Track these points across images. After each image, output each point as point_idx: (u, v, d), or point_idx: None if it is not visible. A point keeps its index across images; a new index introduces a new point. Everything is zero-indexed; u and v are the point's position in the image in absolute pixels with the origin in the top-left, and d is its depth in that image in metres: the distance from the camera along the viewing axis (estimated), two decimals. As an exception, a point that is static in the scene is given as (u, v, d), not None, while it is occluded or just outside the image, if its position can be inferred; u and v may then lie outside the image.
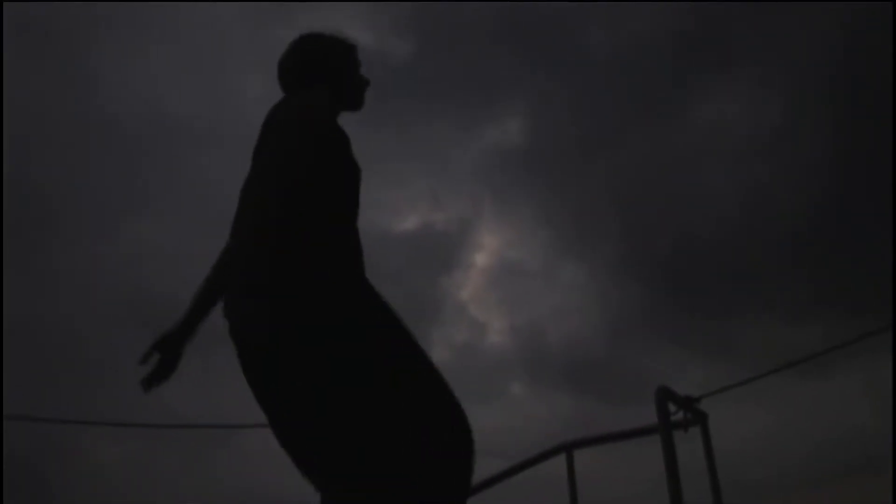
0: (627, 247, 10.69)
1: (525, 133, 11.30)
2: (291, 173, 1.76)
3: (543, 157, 11.06)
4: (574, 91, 10.80)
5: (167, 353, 2.03)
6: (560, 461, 4.03)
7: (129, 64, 10.91)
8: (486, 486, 4.04)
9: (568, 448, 4.02)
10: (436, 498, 1.65)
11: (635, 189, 10.46)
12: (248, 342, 1.77)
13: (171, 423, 5.65)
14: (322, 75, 2.08)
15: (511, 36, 10.77)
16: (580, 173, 11.02)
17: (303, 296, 1.70)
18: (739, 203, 9.63)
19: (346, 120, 2.16)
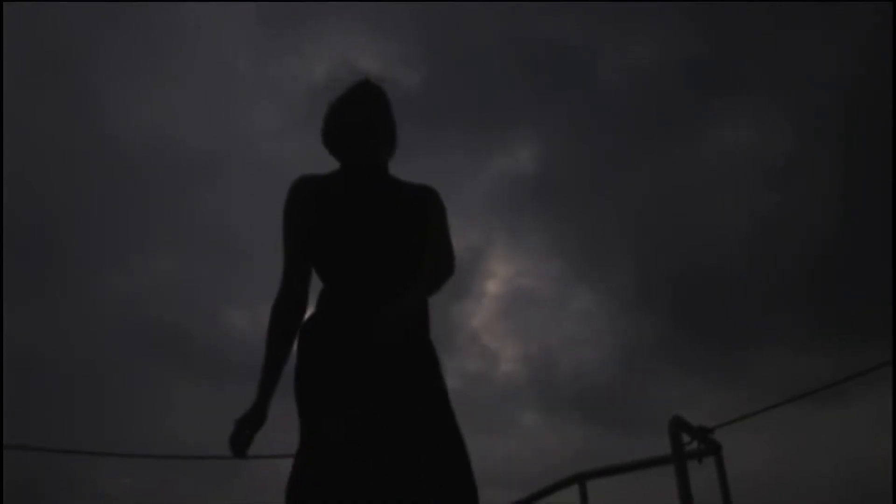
0: (639, 275, 10.69)
1: (536, 160, 11.38)
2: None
3: (554, 184, 11.12)
4: (585, 118, 10.88)
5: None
6: (573, 491, 4.01)
7: (140, 96, 11.07)
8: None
9: (581, 478, 4.00)
10: None
11: (647, 217, 10.48)
12: None
13: (181, 453, 5.65)
14: (338, 152, 2.28)
15: (521, 63, 10.89)
16: (591, 201, 11.06)
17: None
18: (750, 232, 9.63)
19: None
